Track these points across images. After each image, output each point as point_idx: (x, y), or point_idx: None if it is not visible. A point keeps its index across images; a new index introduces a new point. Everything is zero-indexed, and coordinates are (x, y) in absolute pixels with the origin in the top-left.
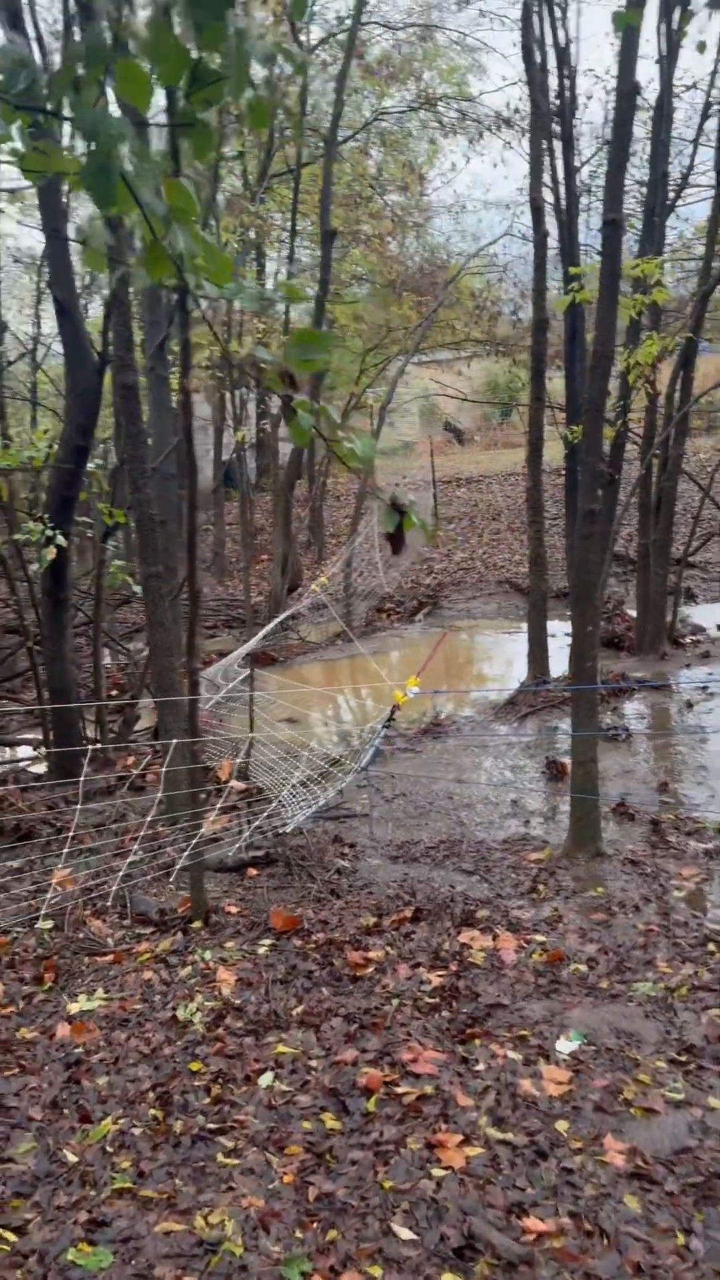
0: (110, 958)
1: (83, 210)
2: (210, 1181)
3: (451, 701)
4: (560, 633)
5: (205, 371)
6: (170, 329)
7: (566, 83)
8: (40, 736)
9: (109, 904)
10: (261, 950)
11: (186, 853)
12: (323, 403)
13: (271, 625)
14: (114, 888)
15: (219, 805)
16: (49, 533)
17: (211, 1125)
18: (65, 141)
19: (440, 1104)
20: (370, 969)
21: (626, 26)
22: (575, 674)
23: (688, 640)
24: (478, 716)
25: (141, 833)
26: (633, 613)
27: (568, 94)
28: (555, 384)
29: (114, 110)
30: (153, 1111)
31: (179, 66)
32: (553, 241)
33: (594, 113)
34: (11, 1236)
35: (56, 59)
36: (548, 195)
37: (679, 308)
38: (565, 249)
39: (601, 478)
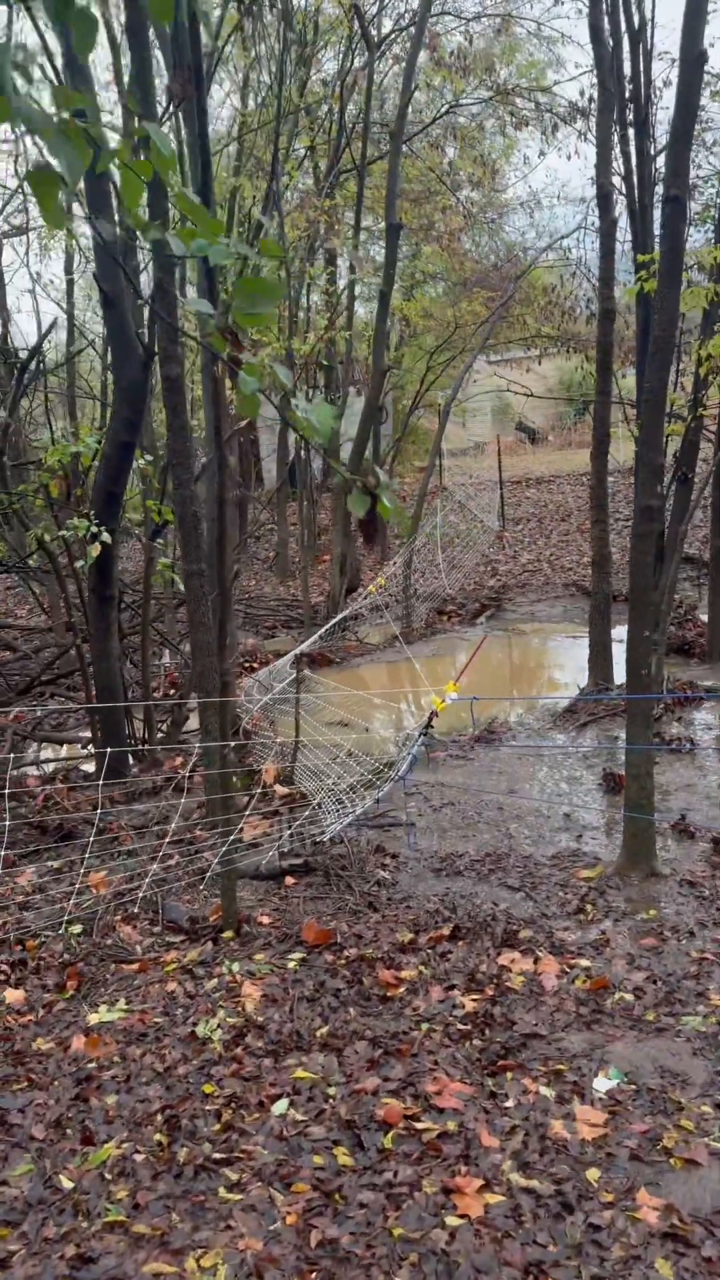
0: (136, 966)
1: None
2: (208, 1218)
3: (517, 706)
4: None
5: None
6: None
7: (641, 66)
8: (90, 735)
9: (139, 909)
10: (291, 964)
11: (218, 858)
12: (317, 397)
13: (327, 626)
14: (143, 893)
15: (261, 810)
16: (94, 529)
17: (217, 1155)
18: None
19: (463, 1143)
20: (401, 989)
21: None
22: (630, 682)
23: None
24: (535, 724)
25: (175, 837)
26: (705, 618)
27: (641, 78)
28: (628, 380)
29: None
30: (158, 1136)
31: None
32: (626, 236)
33: (670, 99)
34: None
35: None
36: (618, 183)
37: None
38: (638, 239)
39: (659, 475)
